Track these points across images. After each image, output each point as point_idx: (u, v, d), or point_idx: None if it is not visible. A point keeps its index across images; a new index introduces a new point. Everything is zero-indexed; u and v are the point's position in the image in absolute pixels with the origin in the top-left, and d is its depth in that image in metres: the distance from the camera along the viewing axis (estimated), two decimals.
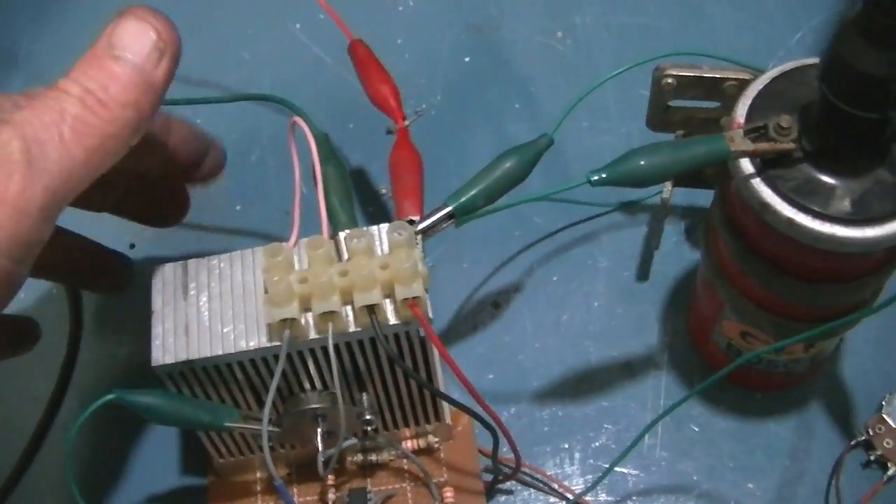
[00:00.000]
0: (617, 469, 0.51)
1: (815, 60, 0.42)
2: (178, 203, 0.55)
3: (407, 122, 0.50)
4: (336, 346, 0.42)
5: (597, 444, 0.53)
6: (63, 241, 0.51)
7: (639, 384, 0.55)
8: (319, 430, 0.46)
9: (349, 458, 0.50)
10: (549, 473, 0.52)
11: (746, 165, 0.41)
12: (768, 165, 0.41)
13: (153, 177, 0.51)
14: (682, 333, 0.56)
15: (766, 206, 0.41)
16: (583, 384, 0.55)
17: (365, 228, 0.44)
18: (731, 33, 0.66)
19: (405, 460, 0.50)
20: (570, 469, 0.52)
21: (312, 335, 0.42)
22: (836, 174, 0.41)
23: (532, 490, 0.52)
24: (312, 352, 0.43)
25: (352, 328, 0.42)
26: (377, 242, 0.44)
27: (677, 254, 0.58)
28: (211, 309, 0.43)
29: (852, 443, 0.52)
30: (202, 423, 0.44)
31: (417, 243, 0.43)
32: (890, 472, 0.51)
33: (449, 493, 0.50)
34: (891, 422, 0.51)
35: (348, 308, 0.42)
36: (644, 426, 0.48)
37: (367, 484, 0.50)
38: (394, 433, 0.50)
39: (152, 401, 0.43)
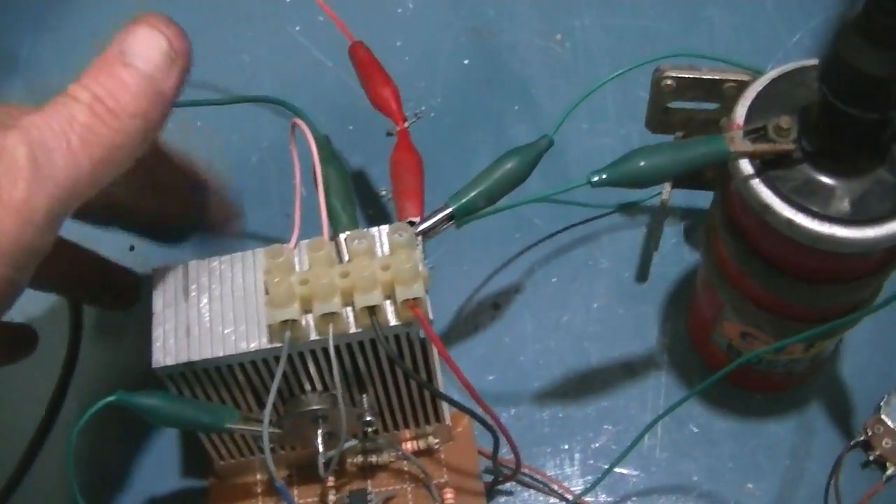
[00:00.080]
0: (617, 470, 0.52)
1: (814, 62, 0.42)
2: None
3: (407, 124, 0.50)
4: (336, 348, 0.42)
5: (597, 444, 0.53)
6: (71, 255, 0.51)
7: (639, 385, 0.55)
8: (320, 431, 0.46)
9: (349, 460, 0.50)
10: (549, 474, 0.52)
11: (746, 166, 0.41)
12: (768, 166, 0.41)
13: (162, 216, 0.51)
14: (681, 334, 0.56)
15: (765, 207, 0.41)
16: (583, 385, 0.55)
17: (365, 230, 0.44)
18: (729, 35, 0.66)
19: (405, 461, 0.50)
20: (570, 470, 0.52)
21: (313, 336, 0.42)
22: (835, 175, 0.41)
23: (532, 491, 0.52)
24: (313, 353, 0.43)
25: (352, 329, 0.42)
26: (378, 244, 0.44)
27: (677, 255, 0.58)
28: (212, 310, 0.43)
29: (851, 443, 0.52)
30: (203, 424, 0.44)
31: (418, 244, 0.43)
32: (889, 472, 0.51)
33: (449, 495, 0.50)
34: (889, 422, 0.51)
35: (349, 309, 0.42)
36: (644, 427, 0.48)
37: (368, 485, 0.50)
38: (394, 434, 0.50)
39: (153, 402, 0.43)
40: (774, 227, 0.41)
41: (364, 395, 0.47)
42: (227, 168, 0.62)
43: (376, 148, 0.54)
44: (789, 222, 0.40)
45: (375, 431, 0.48)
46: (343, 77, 0.63)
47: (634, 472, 0.52)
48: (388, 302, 0.42)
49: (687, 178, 0.53)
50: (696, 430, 0.53)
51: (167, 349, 0.43)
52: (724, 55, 0.49)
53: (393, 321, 0.42)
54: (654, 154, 0.42)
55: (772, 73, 0.44)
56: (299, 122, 0.45)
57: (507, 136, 0.62)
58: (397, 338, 0.43)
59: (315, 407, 0.45)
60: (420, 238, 0.44)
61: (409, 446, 0.51)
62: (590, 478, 0.52)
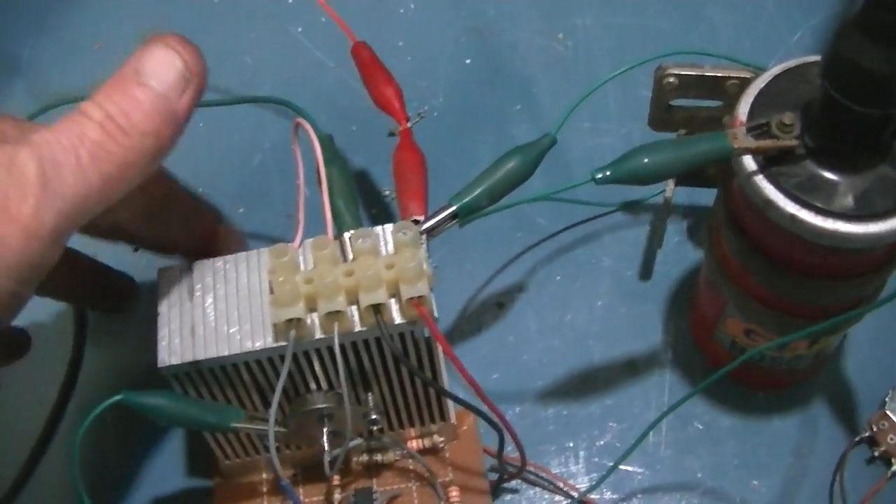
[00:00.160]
0: (622, 467, 0.52)
1: (816, 58, 0.43)
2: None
3: (410, 124, 0.50)
4: (342, 346, 0.42)
5: (601, 442, 0.53)
6: (70, 262, 0.50)
7: (643, 383, 0.55)
8: (325, 430, 0.46)
9: (355, 459, 0.50)
10: (554, 472, 0.52)
11: (749, 163, 0.41)
12: (771, 163, 0.41)
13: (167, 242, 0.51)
14: (685, 332, 0.56)
15: (769, 203, 0.41)
16: (587, 383, 0.55)
17: (370, 229, 0.44)
18: (730, 34, 0.66)
19: (410, 460, 0.51)
20: (574, 468, 0.53)
21: (318, 335, 0.42)
22: (838, 171, 0.41)
23: (537, 489, 0.52)
24: (318, 352, 0.43)
25: (357, 328, 0.42)
26: (382, 242, 0.44)
27: (680, 253, 0.58)
28: (217, 310, 0.43)
29: (856, 439, 0.52)
30: (208, 423, 0.44)
31: (422, 243, 0.43)
32: (894, 468, 0.51)
33: (454, 493, 0.50)
34: (894, 418, 0.51)
35: (354, 308, 0.42)
36: (648, 424, 0.48)
37: (373, 484, 0.50)
38: (399, 433, 0.50)
39: (158, 402, 0.43)
40: (777, 224, 0.41)
41: (369, 394, 0.47)
42: (229, 169, 0.62)
43: (378, 148, 0.54)
44: (792, 218, 0.40)
45: (381, 430, 0.48)
46: (345, 78, 0.63)
47: (639, 470, 0.52)
48: (392, 300, 0.42)
49: (689, 176, 0.53)
50: (700, 427, 0.53)
51: (172, 349, 0.43)
52: (726, 54, 0.50)
53: (398, 319, 0.42)
54: (657, 151, 0.42)
55: (774, 70, 0.44)
56: (302, 121, 0.45)
57: (508, 136, 0.62)
58: (402, 336, 0.43)
59: (320, 406, 0.45)
60: (424, 237, 0.44)
61: (414, 445, 0.51)
62: (595, 475, 0.52)
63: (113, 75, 0.39)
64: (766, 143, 0.41)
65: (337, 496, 0.50)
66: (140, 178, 0.39)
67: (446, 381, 0.48)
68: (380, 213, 0.60)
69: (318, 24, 0.67)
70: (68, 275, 0.51)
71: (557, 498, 0.52)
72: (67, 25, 0.69)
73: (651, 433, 0.52)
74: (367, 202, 0.60)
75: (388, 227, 0.44)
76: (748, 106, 0.43)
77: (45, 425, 0.54)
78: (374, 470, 0.51)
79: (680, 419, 0.53)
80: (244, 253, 0.45)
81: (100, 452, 0.53)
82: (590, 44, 0.66)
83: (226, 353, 0.42)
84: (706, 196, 0.53)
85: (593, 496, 0.51)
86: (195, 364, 0.43)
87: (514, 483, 0.52)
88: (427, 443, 0.51)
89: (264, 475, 0.51)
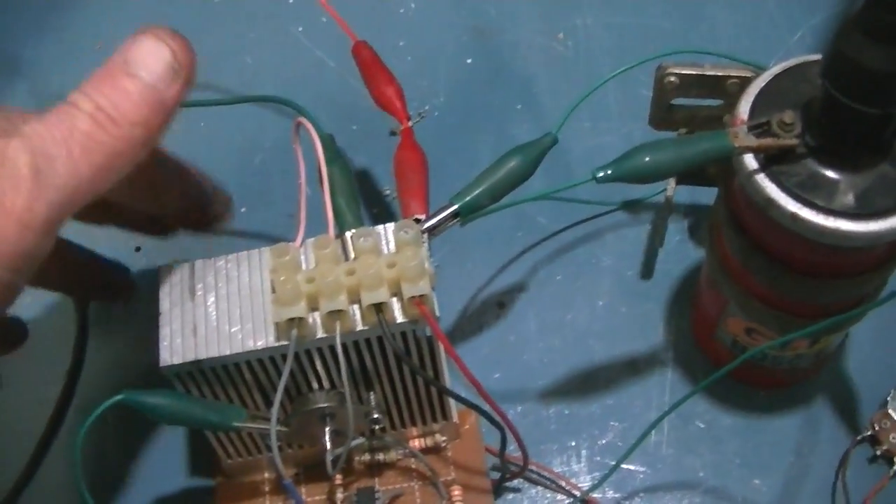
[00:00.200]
0: (623, 466, 0.52)
1: (817, 57, 0.43)
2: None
3: (411, 123, 0.50)
4: (343, 345, 0.42)
5: (603, 441, 0.53)
6: (65, 254, 0.51)
7: (644, 382, 0.55)
8: (327, 429, 0.46)
9: (357, 458, 0.50)
10: (556, 471, 0.52)
11: (750, 161, 0.41)
12: (772, 161, 0.41)
13: (160, 216, 0.51)
14: (686, 331, 0.56)
15: (770, 202, 0.41)
16: (588, 383, 0.55)
17: (371, 228, 0.44)
18: (731, 34, 0.66)
19: (413, 459, 0.51)
20: (576, 467, 0.53)
21: (320, 334, 0.42)
22: (839, 169, 0.41)
23: (539, 488, 0.52)
24: (320, 351, 0.44)
25: (359, 327, 0.42)
26: (383, 241, 0.44)
27: (681, 252, 0.58)
28: (218, 309, 0.43)
29: (858, 438, 0.52)
30: (210, 423, 0.44)
31: (424, 242, 0.43)
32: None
33: (457, 492, 0.50)
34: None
35: (355, 307, 0.42)
36: (650, 424, 0.48)
37: (375, 483, 0.50)
38: (401, 432, 0.50)
39: (160, 401, 0.43)
40: (779, 222, 0.41)
41: (371, 393, 0.47)
42: (230, 169, 0.62)
43: (379, 147, 0.54)
44: (794, 216, 0.40)
45: (383, 429, 0.48)
46: (346, 77, 0.63)
47: (641, 469, 0.52)
48: (394, 299, 0.42)
49: (690, 175, 0.53)
50: (701, 426, 0.53)
51: (174, 348, 0.43)
52: (727, 53, 0.50)
53: (399, 318, 0.42)
54: (658, 150, 0.42)
55: (775, 69, 0.44)
56: (304, 120, 0.45)
57: (509, 135, 0.62)
58: (404, 335, 0.43)
59: (322, 405, 0.45)
60: (425, 235, 0.44)
61: (416, 444, 0.51)
62: (597, 474, 0.52)
63: (102, 66, 0.39)
64: (767, 141, 0.41)
65: (339, 495, 0.50)
66: (130, 168, 0.39)
67: (448, 380, 0.48)
68: (381, 212, 0.60)
69: (319, 24, 0.67)
70: (62, 265, 0.51)
71: (559, 497, 0.52)
72: (68, 26, 0.69)
73: (653, 432, 0.52)
74: (368, 202, 0.60)
75: (390, 226, 0.44)
76: (749, 105, 0.43)
77: (46, 425, 0.54)
78: (376, 469, 0.51)
79: (681, 418, 0.53)
80: (245, 252, 0.45)
81: (102, 452, 0.53)
82: (590, 43, 0.66)
83: (227, 352, 0.42)
84: (707, 195, 0.53)
85: (595, 495, 0.51)
86: (197, 363, 0.43)
87: (516, 482, 0.52)
88: (429, 442, 0.51)
89: (266, 474, 0.51)
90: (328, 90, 0.64)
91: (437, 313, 0.43)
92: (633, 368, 0.55)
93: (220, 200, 0.52)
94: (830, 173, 0.41)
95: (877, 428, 0.51)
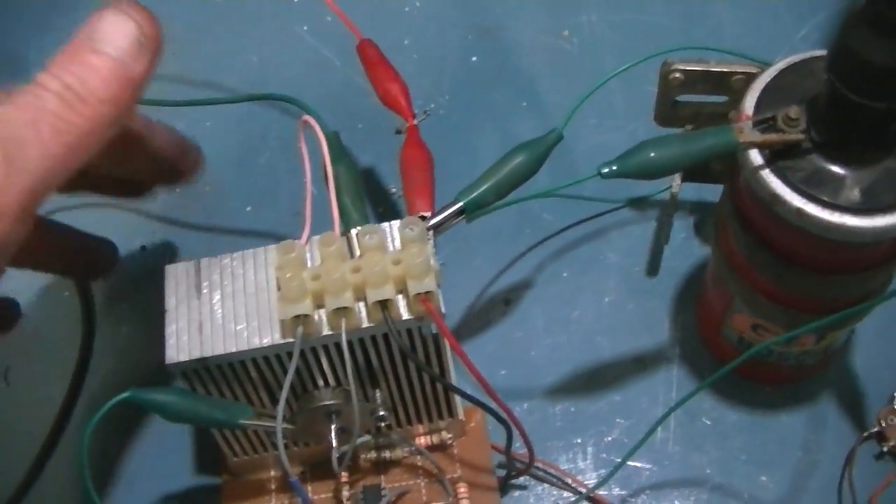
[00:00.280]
0: (630, 463, 0.52)
1: (822, 53, 0.43)
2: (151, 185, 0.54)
3: (416, 121, 0.50)
4: (349, 343, 0.43)
5: (609, 438, 0.53)
6: (43, 231, 0.50)
7: (650, 379, 0.55)
8: (333, 426, 0.46)
9: (363, 456, 0.50)
10: (562, 468, 0.52)
11: (755, 157, 0.41)
12: (777, 157, 0.41)
13: (134, 178, 0.51)
14: (692, 328, 0.56)
15: (775, 197, 0.41)
16: (594, 379, 0.55)
17: (376, 225, 0.44)
18: (735, 31, 0.66)
19: (419, 457, 0.51)
20: (583, 464, 0.53)
21: (325, 331, 0.42)
22: (844, 164, 0.41)
23: (545, 485, 0.52)
24: (326, 348, 0.44)
25: (365, 324, 0.42)
26: (389, 239, 0.44)
27: (687, 249, 0.58)
28: (224, 307, 0.43)
29: (864, 434, 0.52)
30: (216, 420, 0.44)
31: (429, 239, 0.43)
32: None
33: (463, 489, 0.50)
34: None
35: (361, 304, 0.42)
36: (656, 420, 0.48)
37: (381, 481, 0.50)
38: (407, 430, 0.50)
39: (166, 398, 0.43)
40: (784, 218, 0.41)
41: (377, 391, 0.47)
42: (235, 167, 0.62)
43: (385, 146, 0.54)
44: (799, 212, 0.40)
45: (389, 427, 0.48)
46: (351, 76, 0.63)
47: (647, 466, 0.52)
48: (400, 296, 0.42)
49: (695, 172, 0.53)
50: (708, 423, 0.53)
51: (180, 346, 0.43)
52: (732, 50, 0.50)
53: (405, 315, 0.42)
54: (663, 145, 0.42)
55: (780, 65, 0.44)
56: (309, 119, 0.45)
57: (515, 133, 0.62)
58: (410, 332, 0.43)
59: (328, 402, 0.45)
60: (431, 233, 0.44)
61: (422, 441, 0.51)
62: (603, 471, 0.52)
63: (67, 44, 0.38)
64: (772, 137, 0.41)
65: (345, 493, 0.50)
66: (101, 144, 0.38)
67: (454, 377, 0.48)
68: (386, 211, 0.60)
69: (324, 23, 0.67)
70: (42, 244, 0.50)
71: (566, 494, 0.52)
72: (72, 26, 0.69)
73: (659, 429, 0.52)
74: (373, 200, 0.60)
75: (395, 223, 0.44)
76: (754, 100, 0.43)
77: (53, 423, 0.54)
78: (382, 467, 0.51)
79: (688, 415, 0.53)
80: (251, 250, 0.45)
81: (108, 450, 0.53)
82: (595, 41, 0.66)
83: (233, 349, 0.42)
84: (713, 192, 0.53)
85: (601, 492, 0.51)
86: (203, 361, 0.43)
87: (522, 479, 0.52)
88: (435, 439, 0.51)
89: (272, 472, 0.51)
90: (333, 89, 0.64)
91: (443, 310, 0.42)
92: (639, 365, 0.55)
93: (190, 152, 0.51)
94: (836, 168, 0.41)
95: (883, 424, 0.51)
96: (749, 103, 0.43)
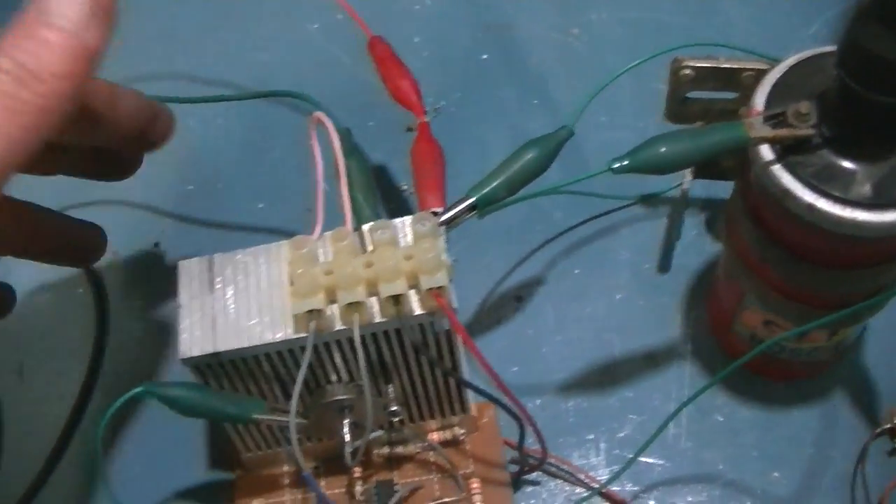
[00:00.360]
0: (642, 459, 0.52)
1: (832, 49, 0.43)
2: (133, 161, 0.52)
3: (427, 117, 0.50)
4: (362, 338, 0.43)
5: (622, 434, 0.53)
6: (20, 217, 0.49)
7: (662, 375, 0.55)
8: (346, 421, 0.46)
9: (375, 451, 0.50)
10: (574, 464, 0.52)
11: (766, 152, 0.41)
12: (788, 152, 0.41)
13: (103, 147, 0.49)
14: (704, 324, 0.56)
15: (786, 193, 0.41)
16: (606, 376, 0.55)
17: (388, 220, 0.44)
18: (745, 28, 0.66)
19: (431, 452, 0.51)
20: (595, 460, 0.53)
21: (338, 326, 0.43)
22: (855, 159, 0.41)
23: (558, 480, 0.52)
24: (338, 343, 0.44)
25: (377, 319, 0.43)
26: (401, 234, 0.44)
27: (698, 246, 0.58)
28: (237, 302, 0.44)
29: (877, 431, 0.51)
30: (229, 414, 0.45)
31: (441, 234, 0.43)
32: None
33: (475, 485, 0.50)
34: None
35: (374, 299, 0.43)
36: (668, 416, 0.48)
37: (394, 476, 0.50)
38: (419, 426, 0.50)
39: (180, 393, 0.43)
40: (795, 213, 0.41)
41: (390, 386, 0.47)
42: (246, 165, 0.63)
43: (396, 143, 0.54)
44: (810, 207, 0.40)
45: (401, 422, 0.48)
46: (361, 74, 0.63)
47: (659, 462, 0.52)
48: (412, 291, 0.43)
49: (706, 169, 0.53)
50: (720, 419, 0.53)
51: (194, 340, 0.43)
52: (741, 46, 0.50)
53: (417, 310, 0.43)
54: (674, 140, 0.42)
55: (790, 61, 0.44)
56: (321, 115, 0.45)
57: (525, 130, 0.62)
58: (422, 327, 0.44)
59: (341, 397, 0.46)
60: (443, 228, 0.44)
61: (434, 437, 0.51)
62: (615, 467, 0.52)
63: (16, 21, 0.37)
64: (783, 132, 0.41)
65: (358, 488, 0.50)
66: (62, 122, 0.37)
67: (466, 373, 0.48)
68: (398, 208, 0.60)
69: (335, 21, 0.67)
70: (20, 230, 0.49)
71: (578, 490, 0.52)
72: None
73: (671, 425, 0.52)
74: (385, 198, 0.60)
75: (407, 218, 0.44)
76: (764, 96, 0.43)
77: (67, 418, 0.54)
78: (394, 462, 0.51)
79: (700, 411, 0.53)
80: (264, 246, 0.45)
81: (122, 444, 0.53)
82: (605, 38, 0.66)
83: (246, 344, 0.43)
84: (724, 189, 0.53)
85: (613, 488, 0.51)
86: (216, 355, 0.43)
87: (534, 475, 0.52)
88: (447, 435, 0.51)
89: (285, 468, 0.51)
90: (344, 87, 0.65)
91: (455, 305, 0.43)
92: (651, 362, 0.55)
93: (161, 115, 0.49)
94: (846, 163, 0.41)
95: None
96: (759, 99, 0.43)
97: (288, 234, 0.57)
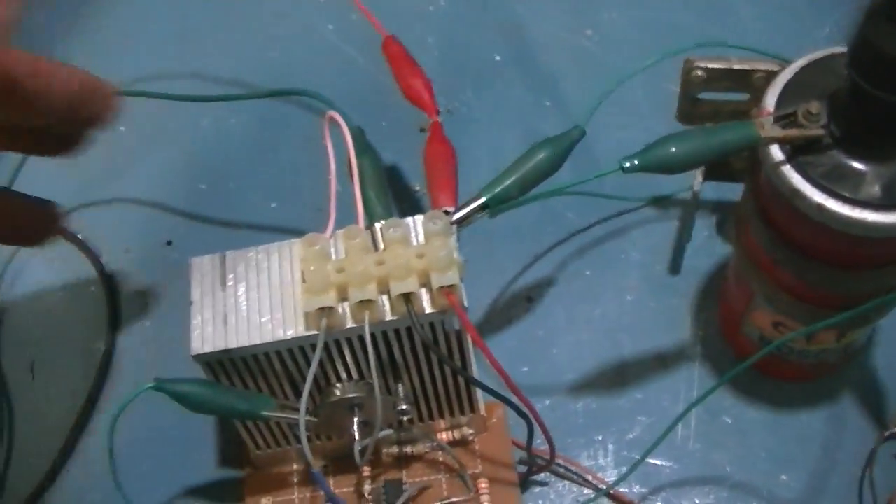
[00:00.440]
0: (650, 460, 0.52)
1: (842, 49, 0.43)
2: (73, 137, 0.48)
3: (440, 118, 0.50)
4: (372, 335, 0.43)
5: (630, 435, 0.53)
6: None
7: (672, 377, 0.55)
8: (356, 419, 0.46)
9: (384, 450, 0.50)
10: (583, 465, 0.52)
11: (776, 152, 0.41)
12: (798, 152, 0.41)
13: (35, 124, 0.45)
14: (714, 326, 0.56)
15: (796, 193, 0.41)
16: (616, 377, 0.55)
17: (400, 219, 0.44)
18: (757, 29, 0.66)
19: (440, 452, 0.51)
20: (603, 461, 0.53)
21: (349, 324, 0.43)
22: (865, 159, 0.41)
23: (566, 481, 0.52)
24: (349, 341, 0.44)
25: (388, 317, 0.43)
26: (413, 233, 0.44)
27: (709, 247, 0.58)
28: (249, 299, 0.44)
29: (886, 434, 0.51)
30: (239, 411, 0.45)
31: (452, 233, 0.43)
32: None
33: (483, 485, 0.50)
34: None
35: (385, 297, 0.43)
36: (676, 418, 0.48)
37: (403, 475, 0.50)
38: (429, 425, 0.51)
39: (191, 389, 0.43)
40: (805, 213, 0.41)
41: (399, 384, 0.47)
42: (259, 164, 0.63)
43: (408, 144, 0.54)
44: (820, 207, 0.40)
45: (410, 421, 0.48)
46: (375, 74, 0.63)
47: (668, 463, 0.52)
48: (423, 290, 0.43)
49: (717, 170, 0.53)
50: (728, 421, 0.53)
51: (205, 337, 0.43)
52: (752, 47, 0.50)
53: (428, 309, 0.43)
54: (684, 140, 0.42)
55: (800, 62, 0.44)
56: (335, 114, 0.46)
57: (537, 130, 0.62)
58: (432, 326, 0.44)
59: (351, 395, 0.46)
60: (454, 227, 0.44)
61: (443, 437, 0.51)
62: (624, 468, 0.52)
63: None
64: (793, 132, 0.41)
65: (367, 487, 0.50)
66: None
67: (476, 373, 0.48)
68: (410, 208, 0.60)
69: (350, 22, 0.67)
70: None
71: (586, 491, 0.52)
72: (98, 25, 0.69)
73: (680, 426, 0.52)
74: (397, 197, 0.61)
75: (419, 217, 0.45)
76: (775, 96, 0.43)
77: (78, 415, 0.54)
78: (403, 461, 0.51)
79: (708, 412, 0.53)
80: (276, 244, 0.45)
81: (132, 441, 0.53)
82: (617, 39, 0.66)
83: (258, 341, 0.43)
84: (734, 191, 0.53)
85: (622, 489, 0.51)
86: (227, 352, 0.43)
87: (542, 475, 0.52)
88: (456, 434, 0.51)
89: (295, 466, 0.51)
90: (358, 87, 0.65)
91: (466, 304, 0.43)
92: (660, 363, 0.55)
93: (100, 91, 0.46)
94: (856, 164, 0.41)
95: None
96: (770, 100, 0.43)
97: (300, 233, 0.57)
